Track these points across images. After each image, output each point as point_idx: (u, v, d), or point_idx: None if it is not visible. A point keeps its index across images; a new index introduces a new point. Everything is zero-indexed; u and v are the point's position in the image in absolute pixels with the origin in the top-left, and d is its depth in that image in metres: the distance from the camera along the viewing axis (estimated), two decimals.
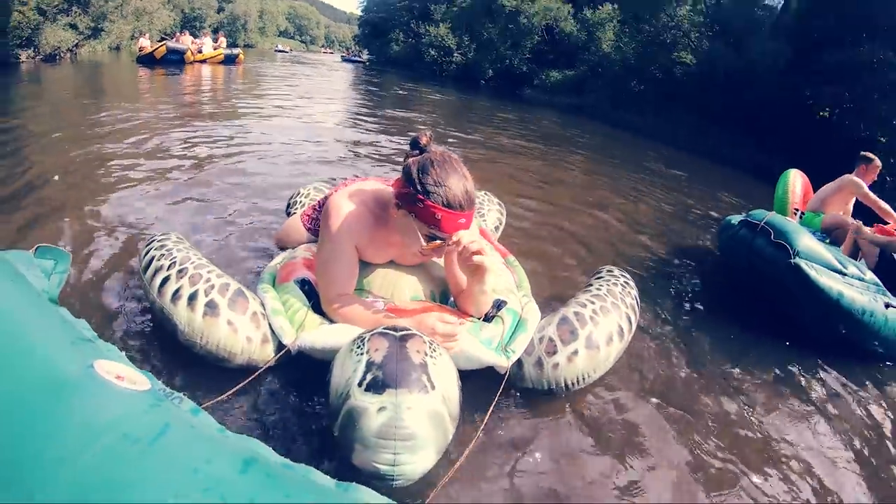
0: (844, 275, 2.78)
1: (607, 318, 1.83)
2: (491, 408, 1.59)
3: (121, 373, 1.00)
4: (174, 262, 1.72)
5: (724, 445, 1.87)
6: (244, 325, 1.63)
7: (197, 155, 4.67)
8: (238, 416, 1.58)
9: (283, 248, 2.41)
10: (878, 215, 3.95)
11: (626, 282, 2.12)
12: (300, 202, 2.88)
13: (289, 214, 2.86)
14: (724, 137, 11.48)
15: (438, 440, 1.23)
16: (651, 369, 2.26)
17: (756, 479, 1.73)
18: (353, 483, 0.97)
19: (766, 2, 14.13)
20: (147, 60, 14.74)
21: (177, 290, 1.64)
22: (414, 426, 1.15)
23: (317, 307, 1.76)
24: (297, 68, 21.77)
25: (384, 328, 1.28)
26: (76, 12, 15.29)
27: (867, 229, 3.58)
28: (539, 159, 7.14)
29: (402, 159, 1.68)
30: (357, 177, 3.93)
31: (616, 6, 19.54)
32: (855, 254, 3.45)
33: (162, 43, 15.96)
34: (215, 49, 18.42)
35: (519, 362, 1.74)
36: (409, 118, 9.64)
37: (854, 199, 4.21)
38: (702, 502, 1.60)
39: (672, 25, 14.75)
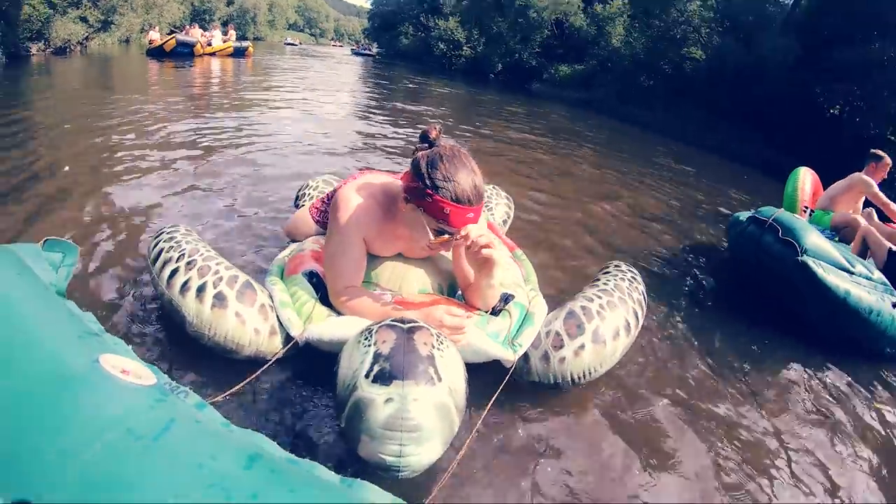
0: (852, 273, 2.76)
1: (614, 313, 1.83)
2: (492, 400, 1.60)
3: (126, 367, 1.00)
4: (183, 254, 1.73)
5: (729, 443, 1.87)
6: (252, 316, 1.64)
7: (206, 146, 4.69)
8: (245, 408, 1.59)
9: (291, 241, 2.42)
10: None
11: (633, 277, 2.11)
12: (309, 194, 2.89)
13: (297, 207, 2.87)
14: (733, 133, 11.42)
15: (444, 432, 1.23)
16: (657, 364, 2.26)
17: (762, 478, 1.73)
18: (358, 479, 0.98)
19: None
20: (157, 53, 14.77)
21: (185, 282, 1.65)
22: (420, 418, 1.15)
23: (325, 299, 1.77)
24: (306, 61, 21.77)
25: (392, 320, 1.29)
26: (86, 5, 15.35)
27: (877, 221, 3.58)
28: (547, 153, 7.13)
29: (411, 152, 1.68)
30: (369, 169, 3.94)
31: (626, 1, 19.41)
32: (864, 253, 3.43)
33: (172, 36, 15.98)
34: (225, 42, 18.41)
35: (525, 356, 1.74)
36: (418, 111, 9.64)
37: (864, 198, 4.19)
38: (710, 501, 1.60)
39: (682, 20, 14.66)
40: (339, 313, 1.71)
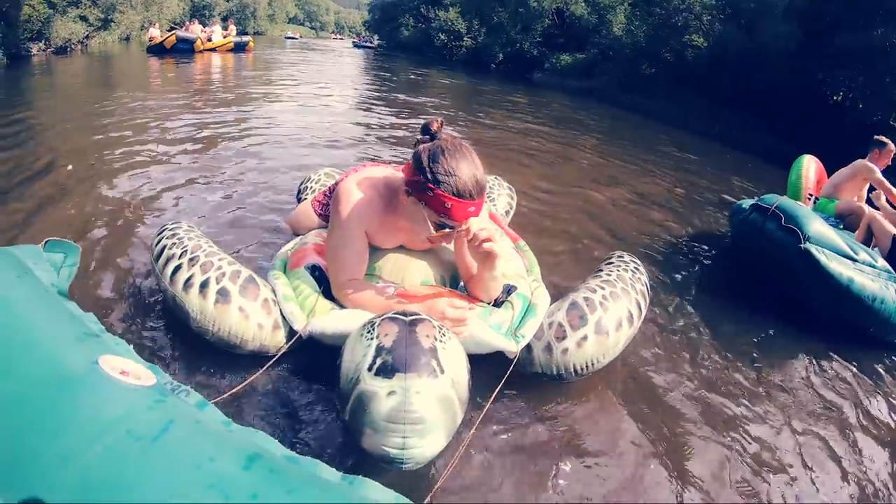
0: (855, 261, 2.75)
1: (617, 304, 1.83)
2: (494, 393, 1.60)
3: (126, 368, 1.00)
4: (185, 251, 1.74)
5: (735, 438, 1.87)
6: (255, 311, 1.66)
7: (207, 141, 4.71)
8: (249, 405, 1.60)
9: (294, 234, 2.42)
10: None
11: (636, 267, 2.11)
12: (311, 188, 2.89)
13: (300, 200, 2.87)
14: (735, 121, 11.36)
15: (447, 424, 1.24)
16: (659, 354, 2.26)
17: (774, 473, 1.73)
18: (359, 476, 0.98)
19: None
20: (157, 50, 14.77)
21: (188, 279, 1.67)
22: (423, 410, 1.16)
23: (327, 293, 1.78)
24: (306, 55, 21.72)
25: (394, 313, 1.29)
26: (86, 4, 15.35)
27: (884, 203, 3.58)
28: (550, 142, 7.10)
29: (412, 144, 1.68)
30: (373, 160, 3.94)
31: None
32: (869, 240, 3.42)
33: (171, 32, 15.97)
34: (225, 37, 18.39)
35: (528, 347, 1.75)
36: (419, 102, 9.61)
37: (868, 185, 4.17)
38: (721, 498, 1.60)
39: (683, 8, 14.53)
40: (341, 306, 1.72)
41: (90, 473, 0.77)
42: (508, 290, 1.85)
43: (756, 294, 3.12)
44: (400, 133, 6.25)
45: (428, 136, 1.63)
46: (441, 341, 1.25)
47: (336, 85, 11.25)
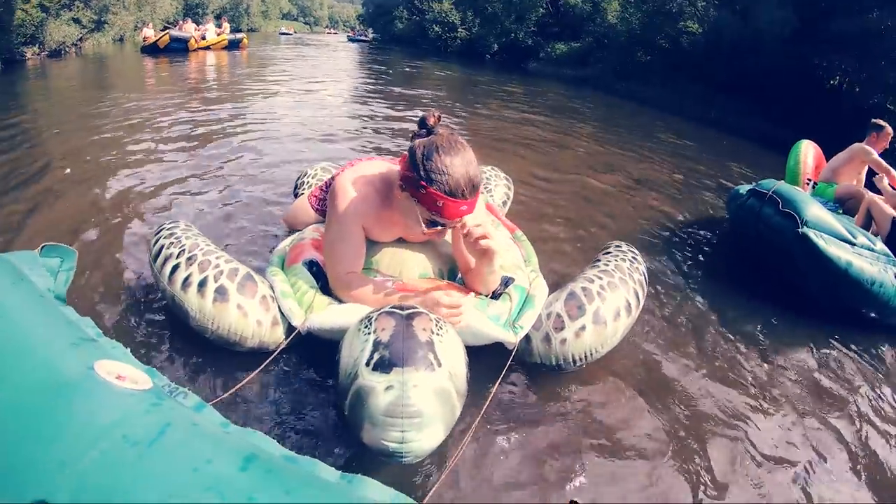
0: (854, 245, 2.75)
1: (615, 294, 1.84)
2: (497, 383, 1.61)
3: (122, 372, 1.00)
4: (183, 250, 1.75)
5: (741, 424, 1.87)
6: (254, 308, 1.66)
7: (203, 140, 4.71)
8: (248, 402, 1.61)
9: (291, 230, 2.43)
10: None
11: (633, 257, 2.12)
12: (308, 183, 2.89)
13: (296, 196, 2.87)
14: (731, 107, 11.32)
15: (446, 417, 1.25)
16: (658, 342, 2.27)
17: (779, 461, 1.74)
18: (358, 475, 0.99)
19: None
20: (151, 50, 14.67)
21: (187, 278, 1.67)
22: (420, 404, 1.17)
23: (325, 288, 1.79)
24: (301, 50, 21.62)
25: (391, 307, 1.30)
26: (79, 6, 15.24)
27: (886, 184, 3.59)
28: (546, 130, 7.10)
29: (410, 137, 1.68)
30: (369, 154, 3.94)
31: None
32: (868, 224, 3.41)
33: (165, 32, 15.84)
34: (219, 35, 18.25)
35: (527, 338, 1.76)
36: (415, 95, 9.58)
37: (867, 168, 4.17)
38: (724, 487, 1.60)
39: None
40: (340, 301, 1.73)
41: (87, 479, 0.77)
42: (506, 282, 1.86)
43: (754, 279, 3.13)
44: (396, 125, 6.25)
45: (424, 130, 1.63)
46: (438, 334, 1.25)
47: (331, 79, 11.22)
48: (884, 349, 2.58)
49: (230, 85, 9.30)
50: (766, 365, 2.27)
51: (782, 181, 3.15)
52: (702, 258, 3.36)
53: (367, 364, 1.19)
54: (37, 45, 12.55)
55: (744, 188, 3.47)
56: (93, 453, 0.80)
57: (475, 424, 1.49)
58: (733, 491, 1.57)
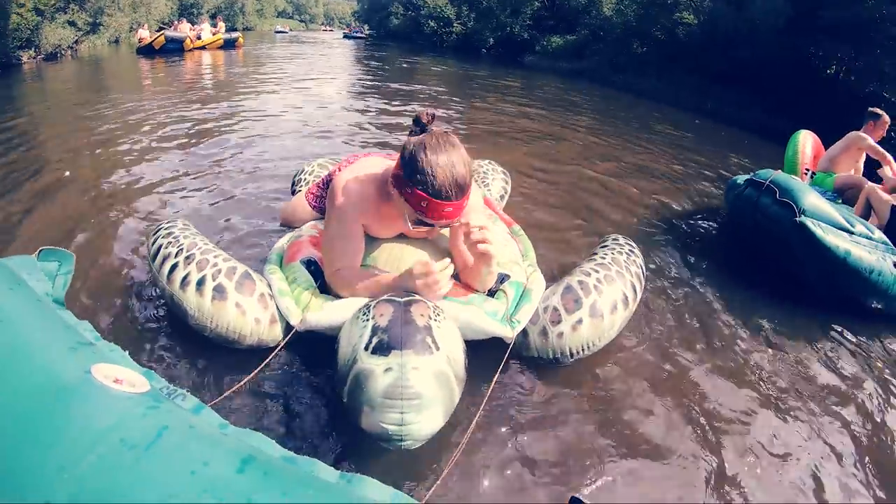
0: (852, 233, 2.75)
1: (611, 287, 1.84)
2: (496, 377, 1.61)
3: (119, 376, 1.00)
4: (181, 249, 1.76)
5: (734, 417, 1.87)
6: (252, 306, 1.67)
7: (200, 138, 4.70)
8: (248, 402, 1.61)
9: (289, 227, 2.43)
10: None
11: (630, 250, 2.12)
12: (305, 180, 2.89)
13: (294, 193, 2.88)
14: (727, 97, 11.30)
15: (445, 400, 1.26)
16: (655, 332, 2.26)
17: (785, 456, 1.73)
18: (357, 474, 0.99)
19: None
20: (147, 51, 14.63)
21: (185, 277, 1.68)
22: (419, 386, 1.18)
23: (323, 287, 1.80)
24: (297, 48, 21.57)
25: (389, 295, 1.33)
26: (73, 9, 15.16)
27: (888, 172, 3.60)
28: (543, 123, 7.10)
29: (406, 132, 1.68)
30: (370, 152, 3.93)
31: None
32: (867, 214, 3.41)
33: (160, 32, 15.81)
34: (214, 34, 18.23)
35: (524, 332, 1.77)
36: (411, 90, 9.58)
37: (864, 157, 4.17)
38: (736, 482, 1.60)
39: None
40: (337, 297, 1.73)
41: (85, 483, 0.77)
42: (502, 279, 1.86)
43: (752, 269, 3.13)
44: (393, 120, 6.25)
45: (419, 128, 1.63)
46: (436, 320, 1.28)
47: (327, 76, 11.20)
48: (884, 337, 2.57)
49: (226, 84, 9.29)
50: (769, 355, 2.26)
51: (780, 171, 3.15)
52: (699, 248, 3.36)
53: (366, 348, 1.21)
54: (33, 49, 12.50)
55: (741, 178, 3.46)
56: (90, 457, 0.79)
57: (474, 423, 1.49)
58: (744, 487, 1.55)
